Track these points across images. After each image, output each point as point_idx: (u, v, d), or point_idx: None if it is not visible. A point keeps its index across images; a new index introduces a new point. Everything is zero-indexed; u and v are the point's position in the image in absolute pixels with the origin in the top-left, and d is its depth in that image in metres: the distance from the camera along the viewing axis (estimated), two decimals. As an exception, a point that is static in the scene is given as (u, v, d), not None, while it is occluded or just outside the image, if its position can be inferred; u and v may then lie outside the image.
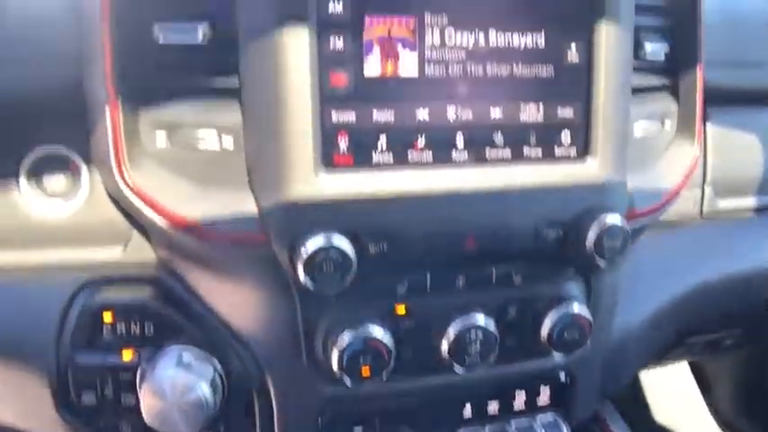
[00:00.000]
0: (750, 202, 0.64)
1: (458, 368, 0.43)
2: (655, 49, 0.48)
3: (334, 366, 0.41)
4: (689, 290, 0.59)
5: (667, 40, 0.49)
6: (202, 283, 0.46)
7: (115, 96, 0.39)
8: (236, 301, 0.44)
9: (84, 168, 0.47)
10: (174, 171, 0.41)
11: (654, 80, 0.50)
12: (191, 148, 0.41)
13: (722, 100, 0.58)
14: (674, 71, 0.51)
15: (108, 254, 0.48)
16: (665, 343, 0.60)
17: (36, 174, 0.47)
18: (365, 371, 0.41)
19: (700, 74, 0.50)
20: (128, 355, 0.45)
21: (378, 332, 0.41)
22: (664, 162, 0.51)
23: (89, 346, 0.45)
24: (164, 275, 0.47)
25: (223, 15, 0.39)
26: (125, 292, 0.46)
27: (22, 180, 0.47)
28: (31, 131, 0.46)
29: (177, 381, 0.41)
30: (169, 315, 0.45)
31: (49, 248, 0.47)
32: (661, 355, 0.66)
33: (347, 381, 0.41)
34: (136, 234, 0.48)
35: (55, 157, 0.47)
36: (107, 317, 0.45)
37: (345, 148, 0.40)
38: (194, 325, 0.45)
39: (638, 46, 0.47)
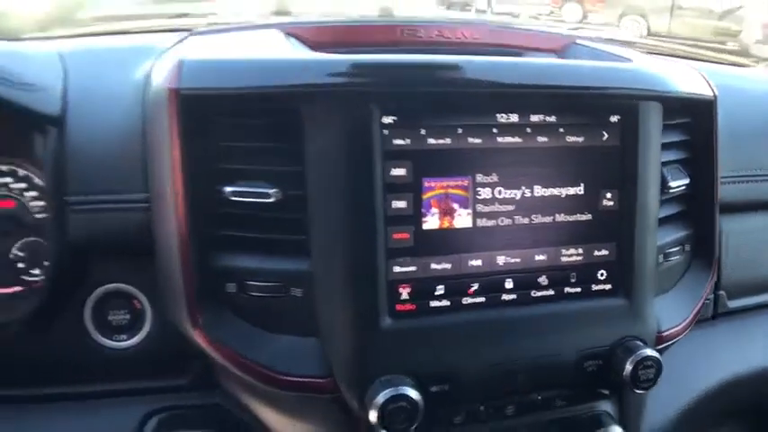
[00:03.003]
0: (760, 299, 0.72)
1: None
2: (677, 183, 0.55)
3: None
4: (702, 392, 0.65)
5: (688, 172, 0.57)
6: (266, 415, 0.50)
7: (188, 246, 0.44)
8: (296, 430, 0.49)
9: (146, 304, 0.52)
10: (241, 315, 0.46)
11: (675, 208, 0.57)
12: (258, 295, 0.46)
13: (733, 210, 0.66)
14: (692, 197, 0.58)
15: (172, 383, 0.52)
16: None
17: (101, 309, 0.51)
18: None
19: (716, 202, 0.58)
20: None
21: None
22: (684, 282, 0.59)
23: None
24: (227, 404, 0.51)
25: (294, 180, 0.45)
26: (191, 421, 0.50)
27: (87, 314, 0.51)
28: (98, 270, 0.51)
29: None
30: None
31: (115, 379, 0.52)
32: None
33: None
34: (198, 363, 0.52)
35: (119, 293, 0.52)
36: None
37: (407, 298, 0.46)
38: None
39: (662, 181, 0.55)
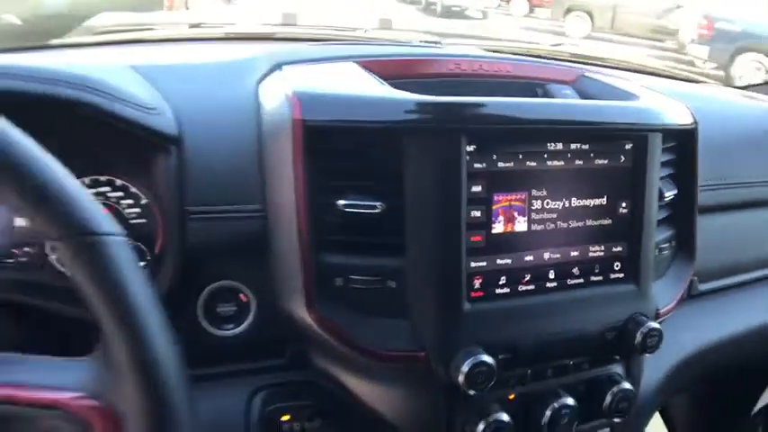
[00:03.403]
0: (724, 283, 0.90)
1: None
2: (669, 193, 0.71)
3: (474, 446, 0.58)
4: (682, 357, 0.82)
5: (675, 184, 0.72)
6: (355, 385, 0.62)
7: (307, 248, 0.56)
8: (388, 399, 0.61)
9: (251, 297, 0.62)
10: (347, 305, 0.58)
11: (666, 213, 0.73)
12: (360, 287, 0.58)
13: (704, 211, 0.83)
14: (677, 204, 0.74)
15: (271, 364, 0.63)
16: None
17: (211, 302, 0.61)
18: (495, 448, 0.59)
19: (695, 208, 0.74)
20: (303, 449, 0.60)
21: (502, 416, 0.59)
22: (672, 270, 0.74)
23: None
24: (319, 380, 0.62)
25: (395, 194, 0.56)
26: (290, 395, 0.61)
27: (199, 308, 0.61)
28: (210, 269, 0.61)
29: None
30: (331, 411, 0.61)
31: (223, 363, 0.62)
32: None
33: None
34: (293, 346, 0.63)
35: (228, 288, 0.62)
36: (285, 417, 0.60)
37: (479, 287, 0.59)
38: (355, 419, 0.61)
39: (659, 192, 0.70)
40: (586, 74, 0.79)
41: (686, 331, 0.82)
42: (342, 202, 0.56)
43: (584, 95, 0.75)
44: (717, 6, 6.97)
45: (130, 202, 0.66)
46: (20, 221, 0.65)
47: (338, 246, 0.57)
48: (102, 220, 0.35)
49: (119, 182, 0.66)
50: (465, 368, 0.55)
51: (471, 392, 0.55)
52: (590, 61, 1.13)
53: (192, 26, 1.12)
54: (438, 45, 1.02)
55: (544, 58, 1.01)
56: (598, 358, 0.66)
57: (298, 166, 0.54)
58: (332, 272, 0.57)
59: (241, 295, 0.62)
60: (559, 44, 1.39)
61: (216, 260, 0.60)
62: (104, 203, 0.66)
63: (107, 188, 0.66)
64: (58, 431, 0.34)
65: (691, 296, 0.85)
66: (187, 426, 0.35)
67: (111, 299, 0.33)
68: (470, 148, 0.56)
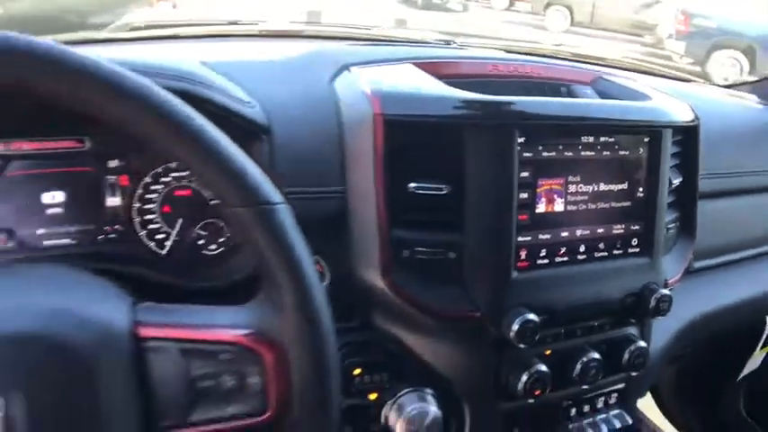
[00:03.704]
0: (718, 261, 1.03)
1: (584, 386, 0.74)
2: (676, 181, 0.83)
3: (519, 390, 0.69)
4: (682, 324, 0.95)
5: (680, 173, 0.84)
6: (415, 343, 0.72)
7: (384, 224, 0.66)
8: (444, 355, 0.71)
9: (326, 267, 0.72)
10: (414, 273, 0.68)
11: (672, 198, 0.85)
12: (426, 258, 0.68)
13: (703, 197, 0.95)
14: (681, 190, 0.86)
15: (342, 326, 0.72)
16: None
17: None
18: (536, 392, 0.70)
19: (696, 195, 0.86)
20: (373, 397, 0.70)
21: (542, 367, 0.71)
22: (676, 248, 0.87)
23: (345, 393, 0.69)
24: (386, 340, 0.73)
25: (458, 178, 0.66)
26: (361, 352, 0.71)
27: None
28: None
29: (422, 411, 0.68)
30: (394, 366, 0.71)
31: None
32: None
33: (527, 399, 0.70)
34: (360, 311, 0.73)
35: None
36: (356, 372, 0.70)
37: (524, 258, 0.70)
38: (414, 372, 0.71)
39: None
40: (603, 76, 0.91)
41: (686, 302, 0.95)
42: (412, 185, 0.66)
43: (602, 95, 0.86)
44: (694, 2, 7.22)
45: None
46: (110, 201, 0.74)
47: (407, 223, 0.67)
48: (274, 191, 0.44)
49: None
50: (515, 326, 0.66)
51: (521, 346, 0.67)
52: (591, 60, 1.25)
53: (231, 23, 1.21)
54: (453, 44, 1.13)
55: (549, 57, 1.12)
56: (618, 320, 0.78)
57: (378, 155, 0.64)
58: (401, 245, 0.67)
59: (318, 266, 0.72)
60: (560, 44, 1.51)
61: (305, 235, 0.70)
62: (186, 186, 0.75)
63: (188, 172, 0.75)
64: (233, 363, 0.44)
65: (687, 272, 0.98)
66: (336, 354, 0.45)
67: (284, 255, 0.43)
68: (521, 140, 0.67)
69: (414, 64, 0.77)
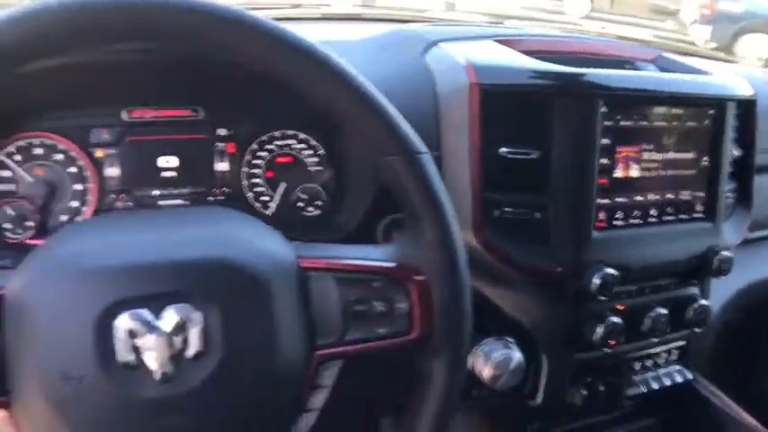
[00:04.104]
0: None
1: (653, 339, 0.82)
2: (735, 153, 0.89)
3: (595, 341, 0.77)
4: (733, 290, 1.02)
5: (739, 145, 0.91)
6: (501, 298, 0.79)
7: (477, 186, 0.72)
8: (526, 308, 0.78)
9: None
10: (502, 232, 0.75)
11: (730, 169, 0.91)
12: (513, 218, 0.75)
13: (759, 171, 1.00)
14: (739, 162, 0.92)
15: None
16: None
17: (389, 229, 0.78)
18: (611, 343, 0.78)
19: (753, 165, 0.92)
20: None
21: (617, 320, 0.78)
22: (733, 217, 0.93)
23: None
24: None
25: (546, 144, 0.73)
26: None
27: (379, 234, 0.78)
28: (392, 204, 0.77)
29: (507, 356, 0.75)
30: (478, 318, 0.79)
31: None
32: None
33: (601, 349, 0.77)
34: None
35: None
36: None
37: (602, 218, 0.77)
38: (496, 324, 0.79)
39: None
40: (662, 54, 0.97)
41: (738, 270, 1.01)
42: (504, 150, 0.73)
43: (664, 72, 0.92)
44: (720, -14, 7.15)
45: (311, 152, 0.83)
46: (219, 166, 0.81)
47: (497, 185, 0.74)
48: (421, 142, 0.51)
49: (302, 135, 0.83)
50: (597, 279, 0.74)
51: (601, 298, 0.74)
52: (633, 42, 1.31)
53: (294, 6, 1.27)
54: (502, 25, 1.19)
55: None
56: (683, 280, 0.85)
57: (473, 122, 0.71)
58: (492, 205, 0.74)
59: None
60: (604, 27, 1.57)
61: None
62: (287, 153, 0.83)
63: (292, 141, 0.83)
64: (382, 291, 0.51)
65: (742, 242, 1.05)
66: (469, 285, 0.52)
67: (430, 198, 0.50)
68: (603, 110, 0.73)
69: (495, 41, 0.84)
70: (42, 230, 0.74)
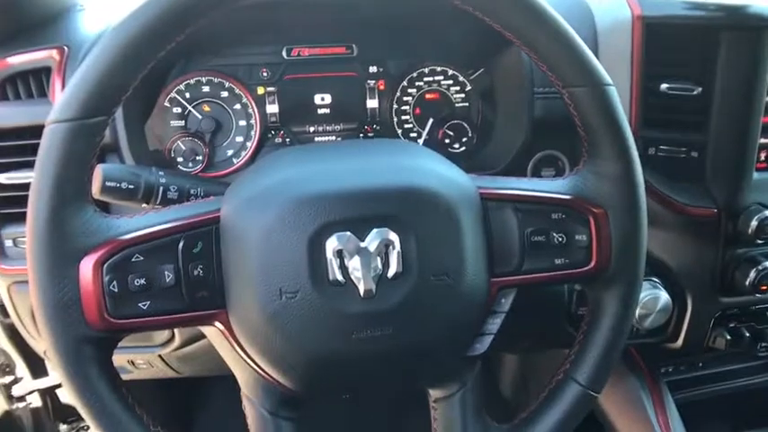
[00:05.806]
0: None
1: None
2: None
3: (747, 286, 0.78)
4: None
5: None
6: (650, 236, 0.80)
7: (636, 124, 0.73)
8: (675, 248, 0.79)
9: (567, 165, 0.81)
10: (657, 170, 0.75)
11: None
12: (670, 156, 0.76)
13: None
14: None
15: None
16: None
17: (537, 167, 0.80)
18: (763, 288, 0.78)
19: None
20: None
21: (769, 264, 0.78)
22: None
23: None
24: None
25: (708, 81, 0.73)
26: None
27: (528, 171, 0.80)
28: (540, 140, 0.78)
29: (654, 296, 0.77)
30: None
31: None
32: None
33: (753, 294, 0.78)
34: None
35: (549, 157, 0.80)
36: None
37: (764, 159, 0.76)
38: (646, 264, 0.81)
39: None
40: None
41: None
42: (665, 85, 0.73)
43: None
44: None
45: (458, 89, 0.87)
46: (370, 103, 0.86)
47: (655, 122, 0.74)
48: (606, 74, 0.52)
49: (450, 72, 0.86)
50: (754, 222, 0.74)
51: (758, 241, 0.75)
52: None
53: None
54: None
55: None
56: None
57: (635, 56, 0.72)
58: (649, 143, 0.75)
59: (558, 162, 0.82)
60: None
61: (547, 132, 0.77)
62: (435, 90, 0.87)
63: (440, 77, 0.87)
64: (562, 222, 0.53)
65: None
66: (647, 221, 0.55)
67: (615, 131, 0.52)
68: (770, 46, 0.72)
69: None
70: (210, 164, 0.83)
